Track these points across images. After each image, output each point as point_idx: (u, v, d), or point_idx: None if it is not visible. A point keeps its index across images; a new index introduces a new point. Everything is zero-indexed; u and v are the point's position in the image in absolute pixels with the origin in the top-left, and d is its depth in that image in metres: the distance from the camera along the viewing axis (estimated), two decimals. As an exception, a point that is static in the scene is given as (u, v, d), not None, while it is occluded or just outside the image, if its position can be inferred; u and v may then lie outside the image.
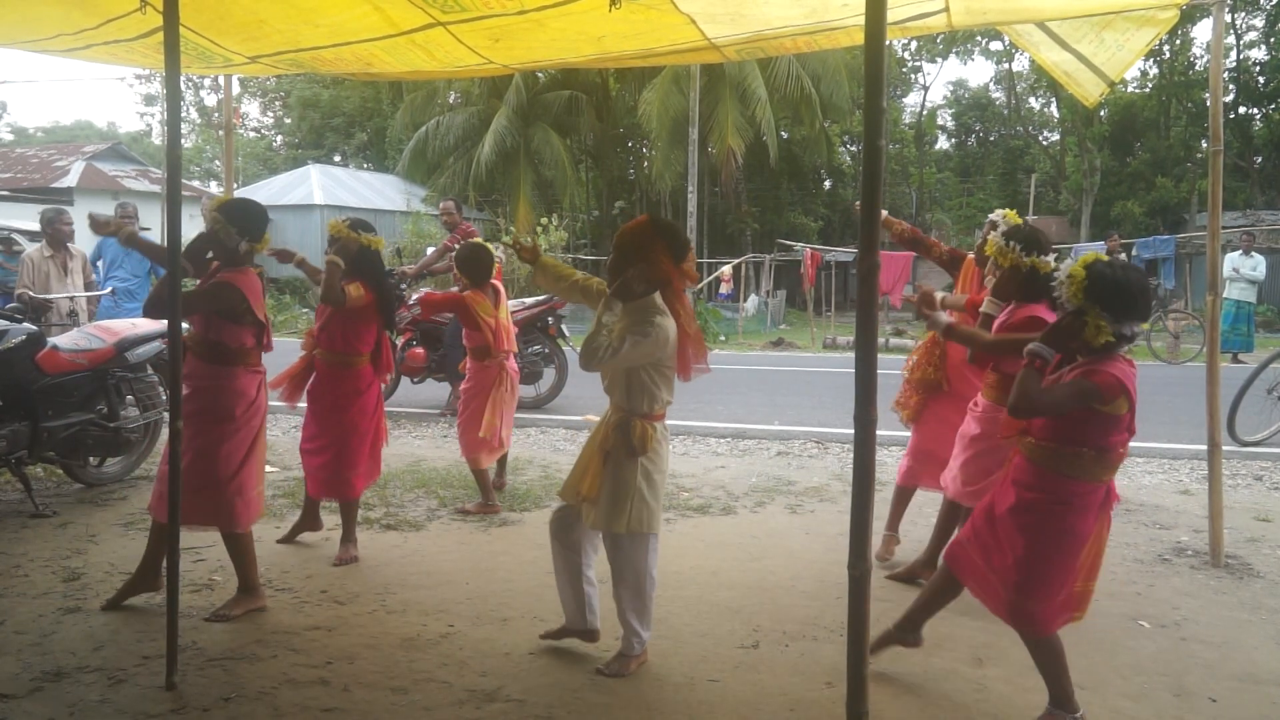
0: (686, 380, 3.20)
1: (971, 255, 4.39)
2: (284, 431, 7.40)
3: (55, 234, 7.17)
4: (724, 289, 21.05)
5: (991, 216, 4.17)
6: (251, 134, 44.60)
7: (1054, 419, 2.69)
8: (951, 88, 41.94)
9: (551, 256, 3.26)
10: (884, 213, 4.45)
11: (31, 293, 6.86)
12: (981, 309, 3.77)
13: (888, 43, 2.77)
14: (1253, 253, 12.99)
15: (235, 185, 7.27)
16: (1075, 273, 2.59)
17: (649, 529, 3.09)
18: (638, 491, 3.05)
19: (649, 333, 2.96)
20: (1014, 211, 4.22)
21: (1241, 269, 12.79)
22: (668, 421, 3.23)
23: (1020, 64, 34.70)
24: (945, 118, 41.17)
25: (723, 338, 17.58)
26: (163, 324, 4.94)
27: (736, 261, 20.56)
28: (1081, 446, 2.65)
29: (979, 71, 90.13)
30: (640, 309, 3.02)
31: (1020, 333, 3.42)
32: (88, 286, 7.41)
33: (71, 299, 7.16)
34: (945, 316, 3.35)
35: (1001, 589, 2.78)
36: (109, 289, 7.53)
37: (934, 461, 4.36)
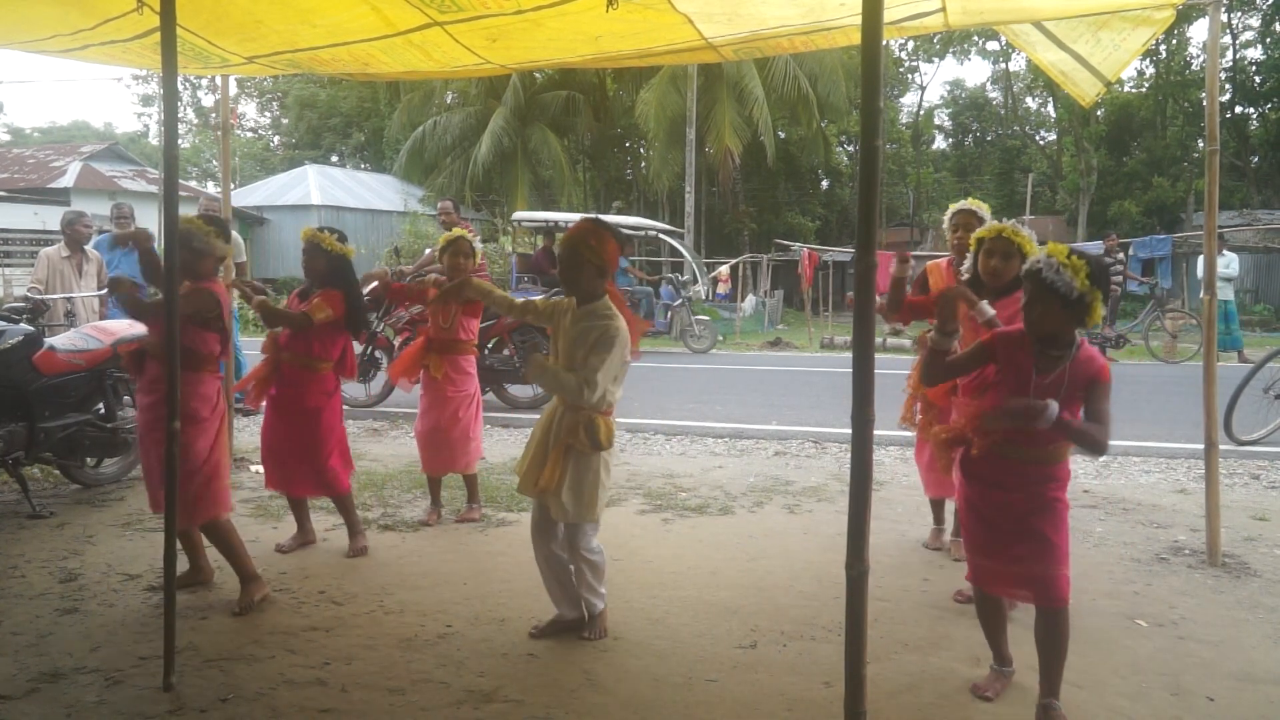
0: (634, 359, 3.36)
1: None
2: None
3: (74, 235, 7.26)
4: (721, 289, 21.07)
5: (965, 205, 4.21)
6: (249, 134, 44.60)
7: None
8: (948, 87, 42.04)
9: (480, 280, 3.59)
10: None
11: (40, 290, 6.87)
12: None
13: (884, 43, 2.77)
14: (1224, 251, 13.64)
15: (232, 186, 7.26)
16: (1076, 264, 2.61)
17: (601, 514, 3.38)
18: (601, 483, 3.30)
19: (611, 344, 3.16)
20: (974, 199, 4.28)
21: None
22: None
23: (1017, 64, 34.76)
24: (942, 117, 41.27)
25: (720, 338, 17.57)
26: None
27: (734, 261, 20.58)
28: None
29: (976, 71, 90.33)
30: (593, 315, 3.20)
31: None
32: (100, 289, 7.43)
33: (69, 299, 7.16)
34: (989, 309, 3.43)
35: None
36: (104, 290, 7.54)
37: (932, 470, 4.37)
